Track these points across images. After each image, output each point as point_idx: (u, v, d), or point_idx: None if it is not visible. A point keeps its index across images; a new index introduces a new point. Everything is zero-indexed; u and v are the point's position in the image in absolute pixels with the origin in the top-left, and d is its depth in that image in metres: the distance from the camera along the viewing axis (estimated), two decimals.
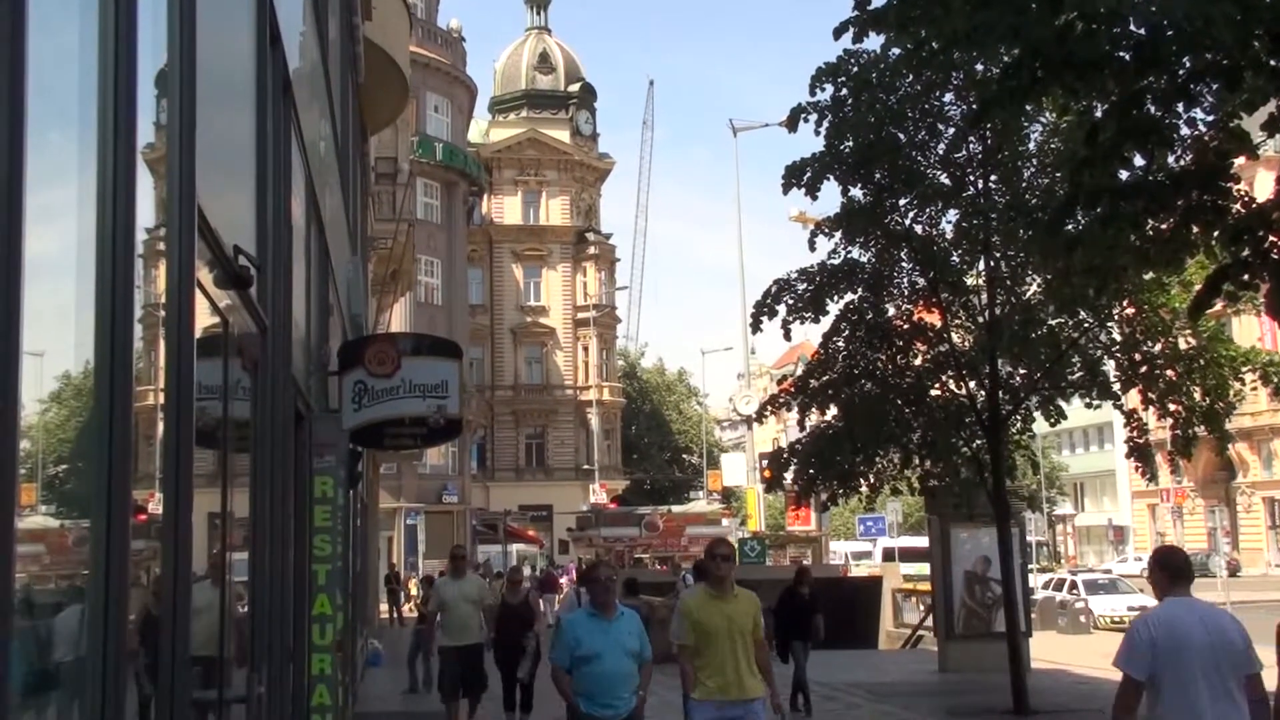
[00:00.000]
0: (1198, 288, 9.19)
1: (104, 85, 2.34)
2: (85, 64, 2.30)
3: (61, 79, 2.22)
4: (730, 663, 6.80)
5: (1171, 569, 5.24)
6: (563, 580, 34.56)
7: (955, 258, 15.24)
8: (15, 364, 1.76)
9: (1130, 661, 5.04)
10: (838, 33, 9.54)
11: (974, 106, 12.83)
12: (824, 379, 15.83)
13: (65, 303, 2.26)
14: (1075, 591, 31.71)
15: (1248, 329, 37.34)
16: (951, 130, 14.74)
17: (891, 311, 15.96)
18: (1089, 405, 15.77)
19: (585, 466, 59.35)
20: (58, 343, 2.23)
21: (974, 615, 18.37)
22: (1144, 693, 5.03)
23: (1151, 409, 15.38)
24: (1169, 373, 14.85)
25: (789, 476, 16.48)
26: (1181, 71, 7.05)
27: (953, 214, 15.32)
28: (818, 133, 14.35)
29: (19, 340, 1.76)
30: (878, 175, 14.64)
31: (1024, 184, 14.72)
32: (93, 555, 2.31)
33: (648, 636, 7.02)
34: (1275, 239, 7.62)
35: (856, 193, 14.92)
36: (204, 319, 3.41)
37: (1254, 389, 16.00)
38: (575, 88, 65.60)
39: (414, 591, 33.34)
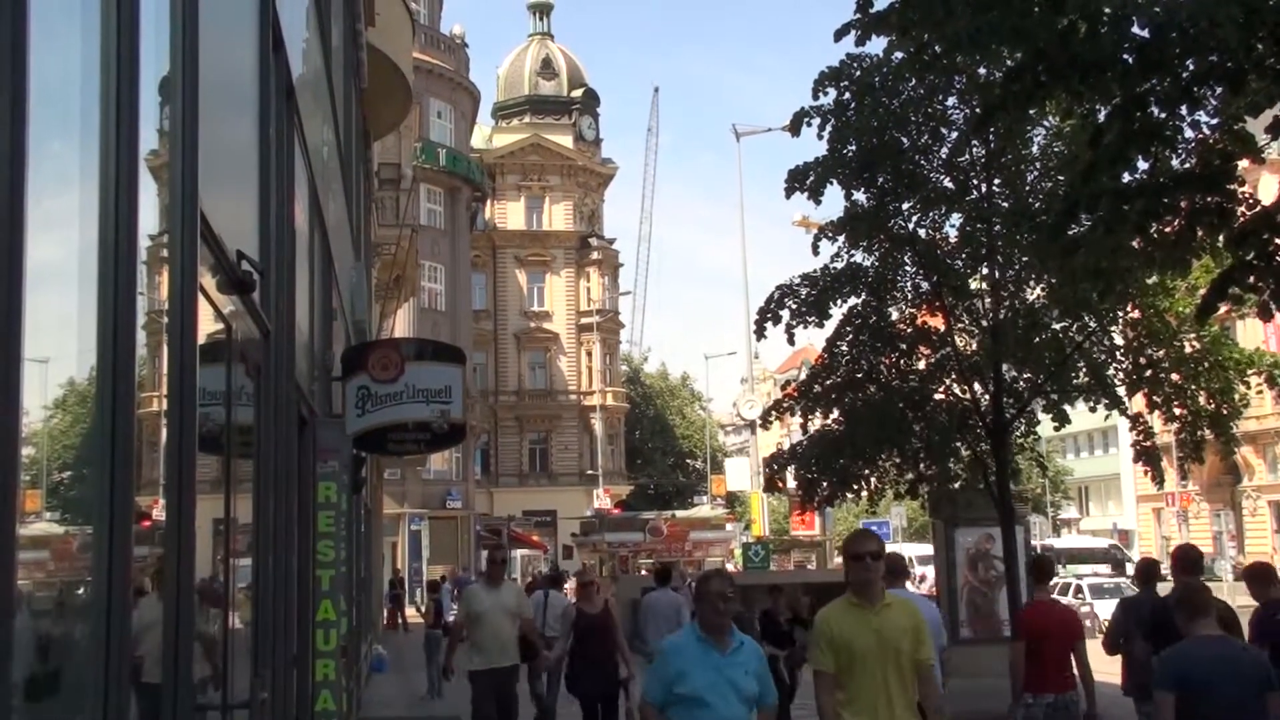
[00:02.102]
0: (1203, 291, 9.18)
1: (106, 92, 2.34)
2: (88, 71, 2.30)
3: (64, 86, 2.22)
4: (883, 697, 5.12)
5: (894, 569, 6.85)
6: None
7: (959, 262, 15.23)
8: (16, 371, 1.75)
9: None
10: (839, 35, 9.54)
11: (977, 110, 12.83)
12: (827, 383, 15.82)
13: (69, 309, 2.26)
14: (1080, 595, 31.64)
15: (1252, 332, 37.26)
16: (954, 134, 14.72)
17: (895, 315, 15.94)
18: (1093, 409, 15.74)
19: (589, 472, 59.34)
20: (62, 349, 2.23)
21: (977, 594, 18.34)
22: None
23: (1156, 413, 15.35)
24: (1174, 376, 14.82)
25: (791, 481, 16.47)
26: (1185, 74, 7.04)
27: (956, 218, 15.31)
28: (820, 137, 14.34)
29: (20, 348, 1.76)
30: (881, 179, 14.63)
31: (1027, 188, 14.71)
32: (95, 561, 2.30)
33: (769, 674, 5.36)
34: None
35: (860, 197, 14.91)
36: (207, 324, 3.41)
37: (1259, 393, 15.96)
38: (578, 93, 65.70)
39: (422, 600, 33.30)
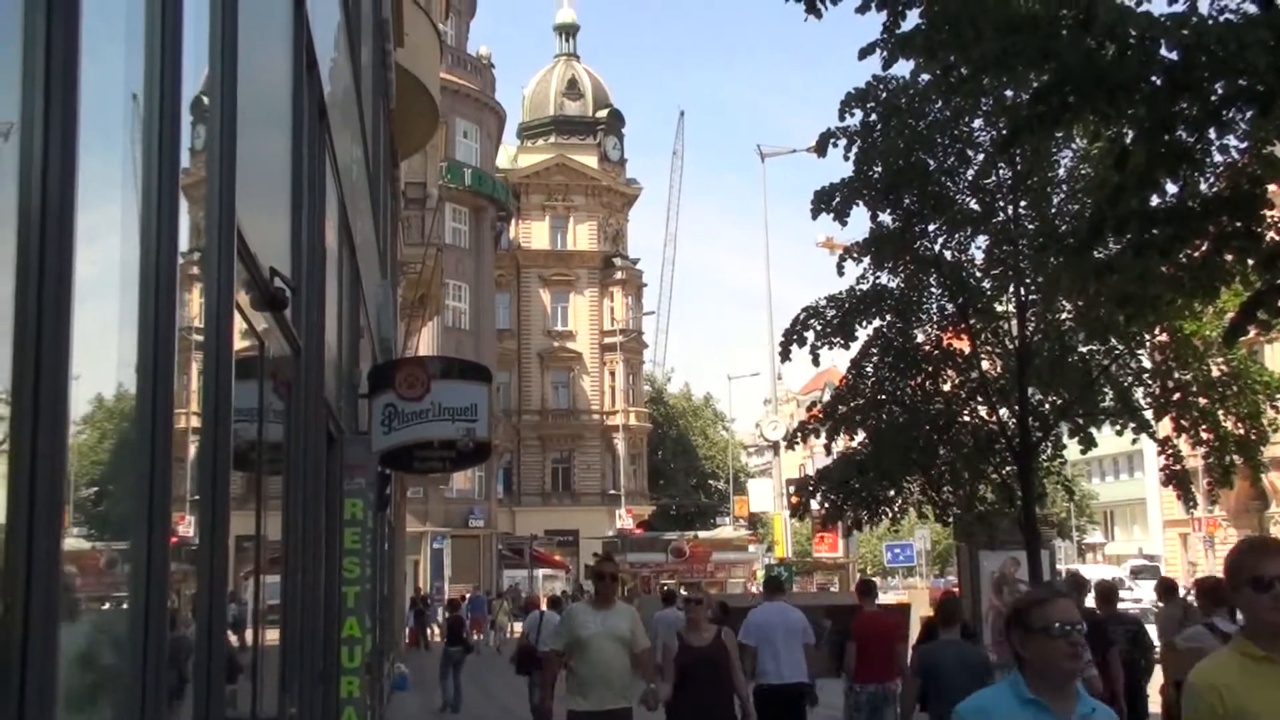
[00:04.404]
0: (1230, 315, 9.13)
1: (149, 111, 2.38)
2: (130, 90, 2.33)
3: (106, 105, 2.26)
4: None
5: (770, 586, 11.10)
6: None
7: (985, 284, 15.20)
8: (64, 388, 1.78)
9: (745, 637, 9.44)
10: (863, 54, 9.56)
11: (1003, 132, 12.81)
12: (852, 404, 15.79)
13: (106, 325, 2.28)
14: None
15: None
16: (981, 156, 14.72)
17: (920, 337, 15.90)
18: (1119, 432, 15.63)
19: (611, 491, 59.27)
20: (95, 365, 2.25)
21: (1001, 618, 18.11)
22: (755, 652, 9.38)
23: (1184, 436, 15.23)
24: (1201, 400, 14.71)
25: (815, 504, 16.43)
26: (1213, 97, 7.02)
27: (982, 240, 15.30)
28: (847, 158, 14.38)
29: (68, 364, 1.78)
30: (907, 201, 14.65)
31: (1054, 210, 14.67)
32: (132, 578, 2.32)
33: None
34: None
35: (885, 218, 14.93)
36: (240, 341, 3.43)
37: None
38: (603, 114, 65.91)
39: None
